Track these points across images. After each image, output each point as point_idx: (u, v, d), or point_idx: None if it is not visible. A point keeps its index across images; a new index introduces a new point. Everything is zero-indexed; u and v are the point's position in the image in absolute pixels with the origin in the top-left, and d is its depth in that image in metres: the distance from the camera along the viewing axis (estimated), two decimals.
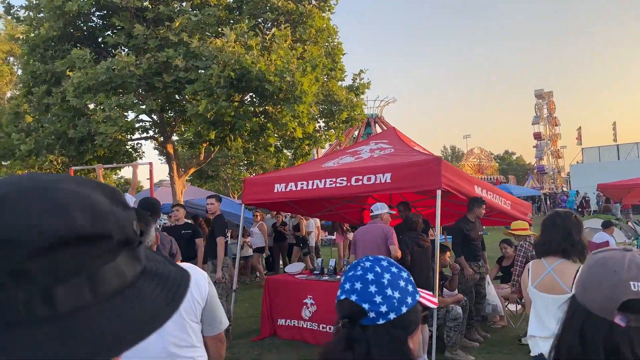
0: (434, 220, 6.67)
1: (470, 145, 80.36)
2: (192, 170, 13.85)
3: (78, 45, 11.49)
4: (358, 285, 1.33)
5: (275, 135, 11.22)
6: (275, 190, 7.79)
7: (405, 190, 7.51)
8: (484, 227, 8.38)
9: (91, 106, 11.27)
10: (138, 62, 10.24)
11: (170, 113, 12.80)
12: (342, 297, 1.35)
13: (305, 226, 13.31)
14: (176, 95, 11.72)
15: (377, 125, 42.97)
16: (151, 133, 13.76)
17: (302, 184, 7.55)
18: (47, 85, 11.10)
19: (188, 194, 14.28)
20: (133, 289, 0.64)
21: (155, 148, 18.25)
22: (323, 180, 7.27)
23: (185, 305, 2.45)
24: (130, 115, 11.33)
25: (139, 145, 14.55)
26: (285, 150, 14.18)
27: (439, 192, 6.45)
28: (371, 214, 7.20)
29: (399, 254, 6.52)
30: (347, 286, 1.35)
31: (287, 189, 7.67)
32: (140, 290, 0.65)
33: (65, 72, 11.29)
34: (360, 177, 6.94)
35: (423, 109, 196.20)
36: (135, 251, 0.67)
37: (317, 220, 14.16)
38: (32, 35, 11.78)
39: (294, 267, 9.05)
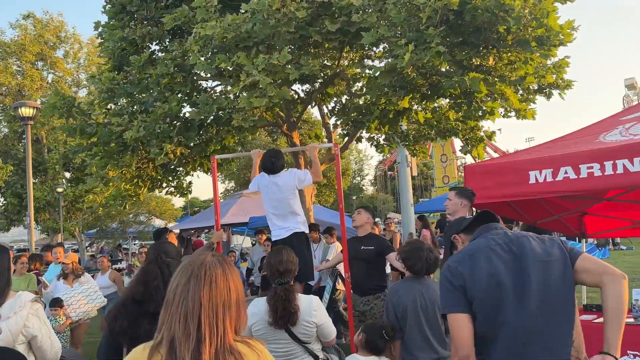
0: None
1: None
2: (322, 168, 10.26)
3: None
4: None
5: (488, 99, 7.78)
6: (532, 181, 4.62)
7: None
8: None
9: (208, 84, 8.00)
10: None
11: (317, 80, 9.34)
12: None
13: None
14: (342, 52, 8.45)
15: None
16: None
17: (589, 168, 4.33)
18: (143, 53, 7.73)
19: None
20: None
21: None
22: (612, 164, 4.22)
23: None
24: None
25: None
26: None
27: None
28: None
29: None
30: None
31: (554, 179, 4.49)
32: None
33: (171, 33, 8.12)
34: None
35: None
36: None
37: None
38: None
39: None
